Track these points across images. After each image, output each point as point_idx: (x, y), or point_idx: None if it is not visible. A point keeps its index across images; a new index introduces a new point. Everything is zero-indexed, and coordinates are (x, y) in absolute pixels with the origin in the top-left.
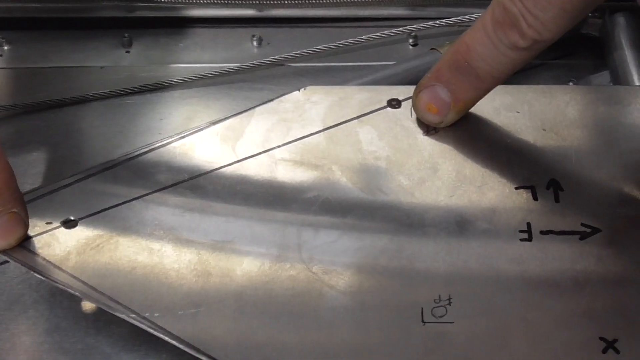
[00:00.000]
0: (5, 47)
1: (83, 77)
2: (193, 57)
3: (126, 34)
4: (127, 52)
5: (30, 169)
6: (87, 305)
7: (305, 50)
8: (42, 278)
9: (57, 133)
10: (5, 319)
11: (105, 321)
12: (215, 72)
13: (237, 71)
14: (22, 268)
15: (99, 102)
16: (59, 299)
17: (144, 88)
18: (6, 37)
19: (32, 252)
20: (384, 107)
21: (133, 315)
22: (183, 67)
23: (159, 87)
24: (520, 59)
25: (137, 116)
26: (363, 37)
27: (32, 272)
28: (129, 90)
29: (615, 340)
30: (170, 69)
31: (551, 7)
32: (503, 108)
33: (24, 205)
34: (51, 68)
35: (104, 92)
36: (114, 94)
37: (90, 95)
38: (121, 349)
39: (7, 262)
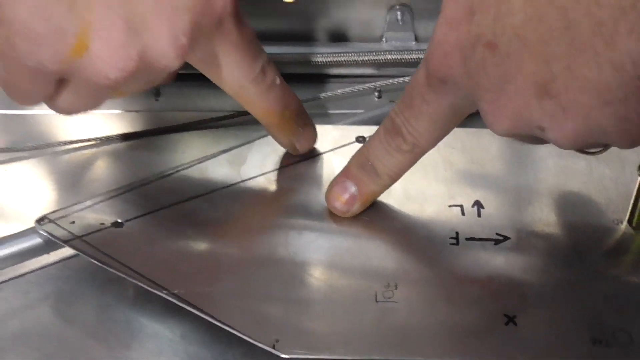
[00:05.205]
0: None
1: (127, 119)
2: (207, 105)
3: (155, 87)
4: (157, 99)
5: (92, 189)
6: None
7: None
8: (100, 264)
9: (116, 163)
10: (71, 298)
11: (142, 300)
12: (223, 116)
13: (240, 116)
14: (84, 260)
15: (139, 140)
16: (107, 285)
17: (170, 129)
18: None
19: (92, 246)
20: (353, 142)
21: (165, 291)
22: (199, 113)
23: (181, 128)
24: (406, 160)
25: (165, 151)
26: (339, 91)
27: (91, 260)
28: (159, 130)
29: (514, 316)
30: (190, 114)
31: (422, 117)
32: (442, 144)
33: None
34: (104, 114)
35: (141, 131)
36: (149, 133)
37: (134, 133)
38: (154, 320)
39: (74, 256)
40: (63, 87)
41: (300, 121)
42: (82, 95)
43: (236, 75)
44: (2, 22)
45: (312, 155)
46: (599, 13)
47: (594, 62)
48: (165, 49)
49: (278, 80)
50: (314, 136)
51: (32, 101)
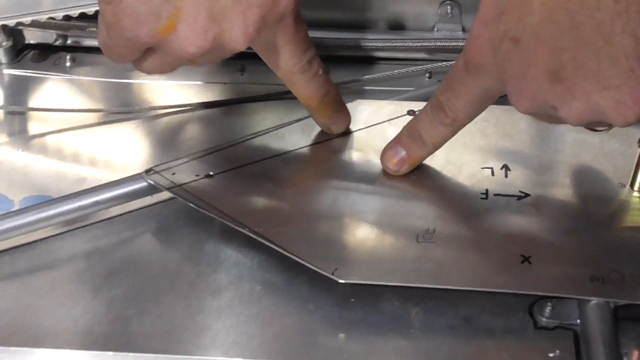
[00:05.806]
0: None
1: (217, 89)
2: None
3: (241, 64)
4: (242, 74)
5: (187, 147)
6: None
7: (356, 79)
8: (195, 207)
9: (208, 126)
10: (169, 232)
11: (227, 236)
12: None
13: None
14: (179, 202)
15: (227, 107)
16: (200, 223)
17: (252, 99)
18: None
19: (188, 192)
20: (405, 115)
21: (247, 229)
22: (277, 87)
23: (263, 99)
24: (447, 132)
25: (248, 118)
26: (395, 72)
27: (188, 203)
28: (243, 100)
29: (529, 257)
30: (269, 87)
31: (461, 97)
32: (479, 118)
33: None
34: (199, 85)
35: (229, 99)
36: (235, 101)
37: (223, 101)
38: (237, 251)
39: (171, 199)
40: (149, 54)
41: (337, 107)
42: (164, 62)
43: (288, 63)
44: (112, 1)
45: (371, 124)
46: (599, 16)
47: (595, 55)
48: (237, 35)
49: (321, 72)
50: (347, 121)
51: (123, 61)
